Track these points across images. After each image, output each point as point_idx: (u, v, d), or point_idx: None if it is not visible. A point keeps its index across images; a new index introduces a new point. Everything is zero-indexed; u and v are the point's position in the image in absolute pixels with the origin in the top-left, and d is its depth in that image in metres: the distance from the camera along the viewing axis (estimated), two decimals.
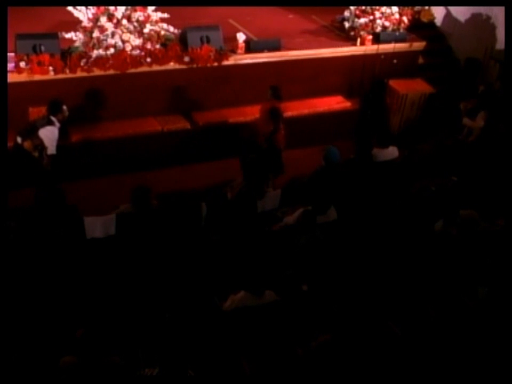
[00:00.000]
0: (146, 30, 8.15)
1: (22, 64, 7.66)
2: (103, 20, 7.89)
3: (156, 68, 8.38)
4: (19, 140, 7.05)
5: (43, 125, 6.99)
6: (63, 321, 5.05)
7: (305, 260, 5.77)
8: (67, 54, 7.94)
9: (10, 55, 7.67)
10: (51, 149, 6.99)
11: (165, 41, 8.41)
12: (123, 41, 8.03)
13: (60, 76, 7.88)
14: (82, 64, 7.94)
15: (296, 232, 6.01)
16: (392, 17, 9.99)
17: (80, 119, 8.12)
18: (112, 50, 7.99)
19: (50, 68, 7.76)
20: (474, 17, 10.79)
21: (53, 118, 7.04)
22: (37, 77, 7.77)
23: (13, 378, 4.23)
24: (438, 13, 11.41)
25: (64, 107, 7.14)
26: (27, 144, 7.02)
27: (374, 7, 9.87)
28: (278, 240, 6.19)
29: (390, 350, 4.77)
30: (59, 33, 7.90)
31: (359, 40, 9.81)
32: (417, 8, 10.94)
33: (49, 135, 6.97)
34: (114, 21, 7.94)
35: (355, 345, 4.57)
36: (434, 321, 5.11)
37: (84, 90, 8.13)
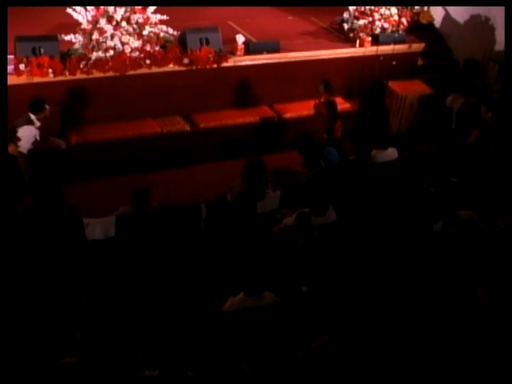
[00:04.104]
0: (145, 32, 8.17)
1: (22, 66, 7.66)
2: (103, 22, 7.90)
3: (155, 69, 8.39)
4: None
5: (21, 125, 6.86)
6: (63, 323, 5.05)
7: (305, 261, 5.77)
8: (66, 56, 7.94)
9: (10, 57, 7.65)
10: (24, 146, 6.78)
11: (164, 43, 8.42)
12: (122, 43, 8.04)
13: (59, 78, 7.88)
14: (81, 66, 7.95)
15: (295, 233, 6.01)
16: (391, 19, 10.02)
17: (79, 121, 8.13)
18: (111, 52, 8.00)
19: (50, 70, 7.76)
20: (473, 18, 10.79)
21: (33, 117, 6.88)
22: (36, 79, 7.77)
23: (13, 379, 4.23)
24: (437, 14, 11.42)
25: (47, 106, 6.98)
26: (11, 149, 6.77)
27: (373, 8, 9.89)
28: (277, 241, 6.19)
29: (389, 351, 4.77)
30: (58, 36, 7.91)
31: (358, 41, 9.82)
32: (416, 9, 10.98)
33: (25, 134, 6.81)
34: (114, 23, 7.95)
35: (354, 346, 4.57)
36: (433, 323, 5.11)
37: (84, 92, 8.15)
